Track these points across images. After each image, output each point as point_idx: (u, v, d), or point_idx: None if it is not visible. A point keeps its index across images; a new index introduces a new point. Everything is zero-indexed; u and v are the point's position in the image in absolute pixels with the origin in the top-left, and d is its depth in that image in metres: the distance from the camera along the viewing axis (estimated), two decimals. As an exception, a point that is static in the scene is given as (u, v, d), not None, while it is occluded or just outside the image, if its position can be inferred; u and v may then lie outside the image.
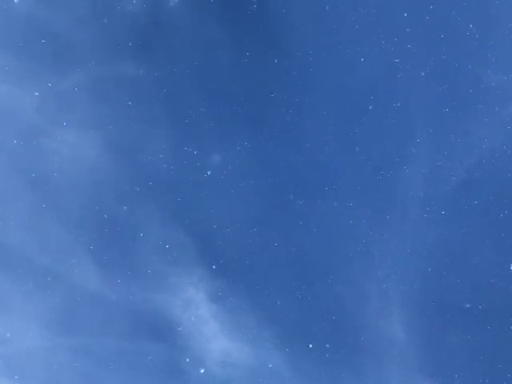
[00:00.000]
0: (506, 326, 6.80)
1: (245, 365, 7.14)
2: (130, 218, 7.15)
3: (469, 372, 6.85)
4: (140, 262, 7.13)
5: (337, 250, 7.09)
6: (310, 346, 7.04)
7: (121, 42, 7.17)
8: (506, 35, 7.03)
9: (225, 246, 7.14)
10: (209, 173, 7.16)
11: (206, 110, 7.17)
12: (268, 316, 7.12)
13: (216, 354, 7.17)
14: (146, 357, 7.12)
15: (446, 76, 7.04)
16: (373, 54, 7.08)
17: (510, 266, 6.86)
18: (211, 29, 7.18)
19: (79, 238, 7.13)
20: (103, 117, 7.17)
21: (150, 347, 7.13)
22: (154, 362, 7.13)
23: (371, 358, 7.00)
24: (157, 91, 7.17)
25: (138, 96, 7.16)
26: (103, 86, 7.16)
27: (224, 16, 7.16)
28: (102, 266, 7.12)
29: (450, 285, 6.96)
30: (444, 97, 7.07)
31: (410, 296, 6.99)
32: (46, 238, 7.14)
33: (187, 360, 7.12)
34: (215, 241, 7.14)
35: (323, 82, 7.16)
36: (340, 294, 7.07)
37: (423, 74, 7.06)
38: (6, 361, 7.10)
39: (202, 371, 7.07)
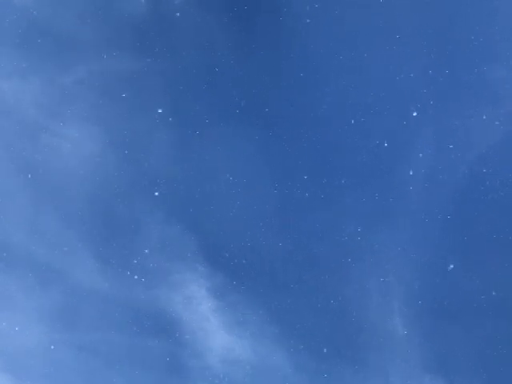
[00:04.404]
0: (507, 321, 6.85)
1: (246, 360, 7.18)
2: (132, 214, 7.15)
3: (469, 367, 6.90)
4: (142, 258, 7.14)
5: (338, 247, 7.11)
6: (312, 342, 7.09)
7: (123, 38, 7.15)
8: (509, 31, 7.04)
9: (226, 242, 7.15)
10: (211, 168, 7.18)
11: (208, 107, 7.17)
12: (269, 312, 7.14)
13: (217, 350, 7.20)
14: (148, 353, 7.15)
15: (447, 73, 7.05)
16: (375, 50, 7.08)
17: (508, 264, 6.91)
18: (215, 26, 7.17)
19: (81, 234, 7.14)
20: (105, 113, 7.15)
21: (152, 343, 7.16)
22: (155, 358, 7.16)
23: (372, 354, 7.03)
24: (160, 88, 7.15)
25: (140, 92, 7.16)
26: (105, 82, 7.15)
27: (228, 13, 7.15)
28: (104, 263, 7.12)
29: (450, 281, 7.00)
30: (445, 92, 7.08)
31: (411, 292, 7.03)
32: (47, 234, 7.14)
33: (188, 356, 7.17)
34: (217, 238, 7.15)
35: (325, 80, 7.16)
36: (341, 291, 7.10)
37: (424, 71, 7.07)
38: (8, 357, 7.12)
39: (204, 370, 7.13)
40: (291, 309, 7.14)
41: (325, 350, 7.09)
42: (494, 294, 6.89)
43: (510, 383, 6.77)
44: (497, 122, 6.99)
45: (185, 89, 7.17)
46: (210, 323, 7.20)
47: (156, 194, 7.17)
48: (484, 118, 7.00)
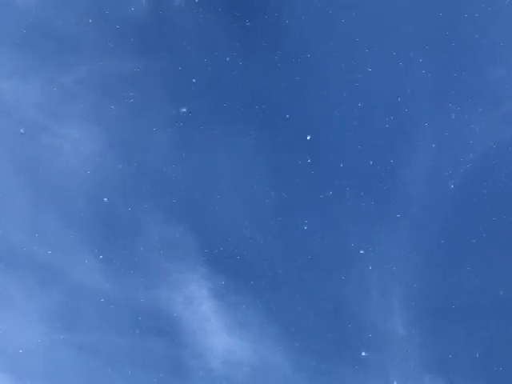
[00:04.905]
0: (507, 321, 6.85)
1: (246, 361, 7.17)
2: (133, 214, 7.14)
3: (470, 367, 6.90)
4: (142, 258, 7.13)
5: (338, 247, 7.12)
6: (312, 342, 7.09)
7: (124, 38, 7.15)
8: (509, 31, 7.04)
9: (227, 243, 7.15)
10: (211, 168, 7.18)
11: (208, 107, 7.18)
12: (270, 313, 7.14)
13: (218, 351, 7.19)
14: (148, 353, 7.14)
15: (447, 73, 7.06)
16: (375, 50, 7.09)
17: (508, 264, 6.91)
18: (215, 26, 7.17)
19: (81, 235, 7.13)
20: (105, 113, 7.15)
21: (152, 343, 7.15)
22: (155, 358, 7.15)
23: (372, 354, 7.03)
24: (160, 88, 7.16)
25: (141, 93, 7.16)
26: (106, 82, 7.15)
27: (228, 13, 7.16)
28: (104, 263, 7.11)
29: (450, 281, 7.01)
30: (445, 92, 7.08)
31: (411, 292, 7.03)
32: (47, 235, 7.13)
33: (189, 356, 7.16)
34: (218, 238, 7.15)
35: (325, 80, 7.17)
36: (341, 291, 7.10)
37: (424, 71, 7.07)
38: (8, 357, 7.10)
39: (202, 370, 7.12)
40: (291, 309, 7.14)
41: (325, 351, 7.10)
42: (493, 293, 6.89)
43: (510, 383, 6.78)
44: (497, 122, 7.00)
45: (185, 89, 7.17)
46: (211, 323, 7.20)
47: (157, 194, 7.17)
48: (484, 117, 7.01)
